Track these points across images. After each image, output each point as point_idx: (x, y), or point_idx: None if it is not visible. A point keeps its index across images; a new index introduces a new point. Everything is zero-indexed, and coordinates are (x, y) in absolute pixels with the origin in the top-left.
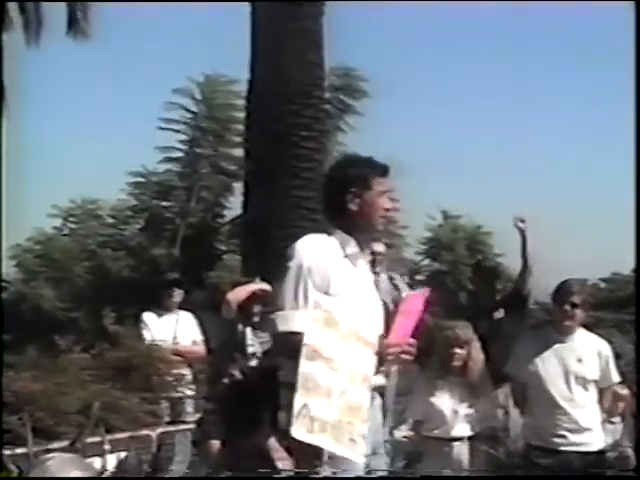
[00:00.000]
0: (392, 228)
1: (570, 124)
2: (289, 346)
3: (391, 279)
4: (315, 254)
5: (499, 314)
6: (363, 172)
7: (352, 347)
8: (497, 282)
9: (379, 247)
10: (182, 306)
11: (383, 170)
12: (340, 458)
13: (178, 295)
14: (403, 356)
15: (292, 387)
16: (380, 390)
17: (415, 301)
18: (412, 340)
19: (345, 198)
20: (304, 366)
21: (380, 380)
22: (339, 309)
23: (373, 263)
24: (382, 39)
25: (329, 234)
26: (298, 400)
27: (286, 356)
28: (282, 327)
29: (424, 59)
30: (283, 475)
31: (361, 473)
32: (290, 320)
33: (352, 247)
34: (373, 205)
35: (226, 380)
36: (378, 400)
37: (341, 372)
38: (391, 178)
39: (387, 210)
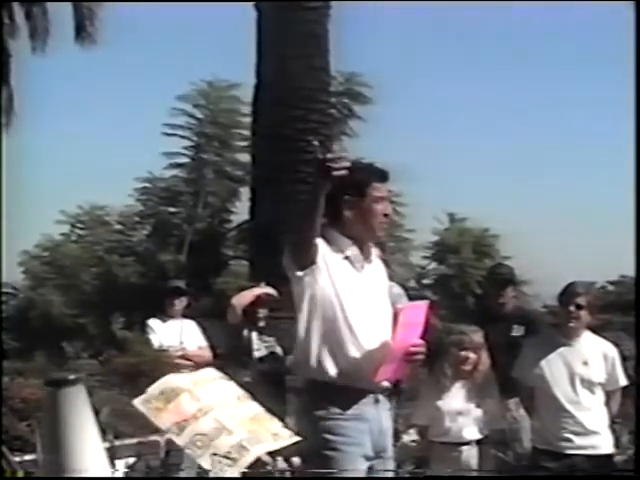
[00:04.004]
0: (399, 232)
1: (582, 125)
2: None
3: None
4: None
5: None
6: (357, 179)
7: (208, 388)
8: (509, 288)
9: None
10: (188, 312)
11: (380, 176)
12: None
13: (180, 303)
14: (413, 357)
15: (299, 391)
16: (386, 394)
17: (416, 312)
18: (420, 341)
19: (340, 205)
20: (181, 441)
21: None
22: (168, 380)
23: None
24: (387, 44)
25: (329, 239)
26: (204, 461)
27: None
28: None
29: (428, 64)
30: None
31: (362, 474)
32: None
33: (352, 250)
34: (369, 211)
35: None
36: (382, 404)
37: (216, 407)
38: (390, 184)
39: (386, 216)
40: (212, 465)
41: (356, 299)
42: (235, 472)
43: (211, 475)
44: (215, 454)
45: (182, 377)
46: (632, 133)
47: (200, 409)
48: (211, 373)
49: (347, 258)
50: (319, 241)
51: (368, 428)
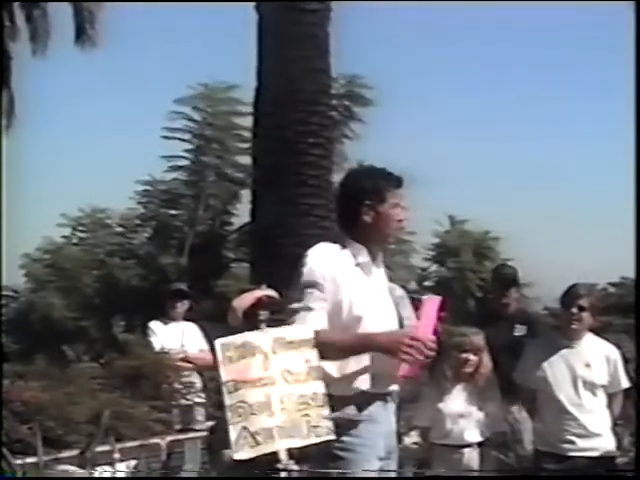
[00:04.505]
0: (400, 235)
1: (582, 127)
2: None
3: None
4: (325, 262)
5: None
6: (378, 184)
7: (285, 354)
8: (513, 289)
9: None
10: (189, 315)
11: (397, 182)
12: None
13: (182, 305)
14: (427, 352)
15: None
16: (392, 395)
17: (431, 307)
18: (433, 337)
19: (360, 210)
20: (228, 400)
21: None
22: (254, 335)
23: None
24: (387, 46)
25: (342, 245)
26: (234, 429)
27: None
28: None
29: (428, 66)
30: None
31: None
32: (303, 322)
33: (364, 256)
34: (387, 217)
35: None
36: (390, 405)
37: (277, 382)
38: (403, 188)
39: (400, 221)
40: (236, 438)
41: (368, 305)
42: (249, 455)
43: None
44: (246, 429)
45: (268, 335)
46: (632, 134)
47: (261, 378)
48: (302, 332)
49: (359, 265)
50: (330, 249)
51: (380, 430)
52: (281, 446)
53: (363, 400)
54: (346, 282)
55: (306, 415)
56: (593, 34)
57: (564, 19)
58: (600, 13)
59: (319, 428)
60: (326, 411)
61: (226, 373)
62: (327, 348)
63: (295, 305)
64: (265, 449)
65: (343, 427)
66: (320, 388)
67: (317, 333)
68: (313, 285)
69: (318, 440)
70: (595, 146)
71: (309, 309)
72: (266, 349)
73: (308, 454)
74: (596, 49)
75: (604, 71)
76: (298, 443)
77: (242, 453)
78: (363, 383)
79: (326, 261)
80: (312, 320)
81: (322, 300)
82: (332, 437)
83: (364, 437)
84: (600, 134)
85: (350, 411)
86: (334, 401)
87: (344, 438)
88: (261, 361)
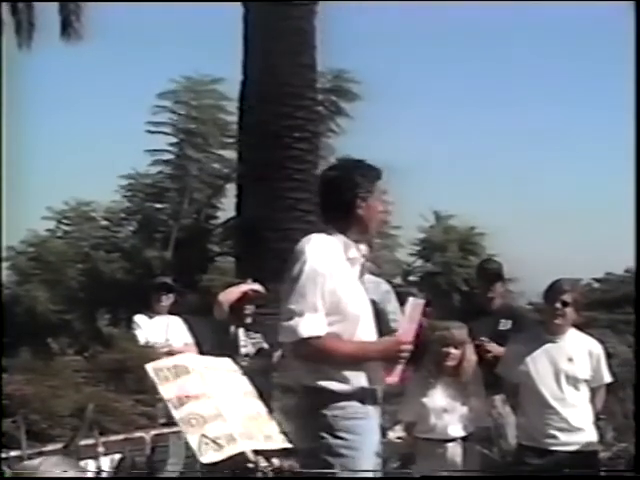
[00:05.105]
0: (385, 229)
1: (567, 124)
2: (313, 351)
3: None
4: (326, 257)
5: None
6: (368, 177)
7: (217, 376)
8: (498, 284)
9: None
10: (174, 309)
11: (380, 173)
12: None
13: (167, 299)
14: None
15: (286, 389)
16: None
17: (416, 309)
18: (410, 339)
19: (354, 203)
20: (177, 415)
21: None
22: (183, 358)
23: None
24: (374, 41)
25: (333, 239)
26: (192, 438)
27: (311, 360)
28: (306, 333)
29: (415, 61)
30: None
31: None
32: (312, 326)
33: (353, 251)
34: (375, 209)
35: None
36: (379, 401)
37: (221, 396)
38: (384, 180)
39: (385, 213)
40: (198, 446)
41: (361, 303)
42: (216, 458)
43: (198, 455)
44: (205, 436)
45: (198, 359)
46: (629, 134)
47: (204, 393)
48: (228, 364)
49: (349, 259)
50: (327, 243)
51: (372, 424)
52: (244, 447)
53: (360, 397)
54: (342, 279)
55: (257, 426)
56: (592, 34)
57: (562, 19)
58: (600, 13)
59: (273, 438)
60: (275, 426)
61: (167, 391)
62: (329, 356)
63: (293, 306)
64: (230, 451)
65: (344, 425)
66: (260, 408)
67: (319, 339)
68: (313, 284)
69: (276, 446)
70: (588, 142)
71: (311, 311)
72: (200, 370)
73: (310, 453)
74: (595, 49)
75: (603, 71)
76: (259, 445)
77: (208, 457)
78: (361, 380)
79: (325, 257)
80: (312, 324)
81: (322, 299)
82: (289, 445)
83: (363, 434)
84: (596, 131)
85: (350, 409)
86: (334, 398)
87: (346, 436)
88: (198, 378)
